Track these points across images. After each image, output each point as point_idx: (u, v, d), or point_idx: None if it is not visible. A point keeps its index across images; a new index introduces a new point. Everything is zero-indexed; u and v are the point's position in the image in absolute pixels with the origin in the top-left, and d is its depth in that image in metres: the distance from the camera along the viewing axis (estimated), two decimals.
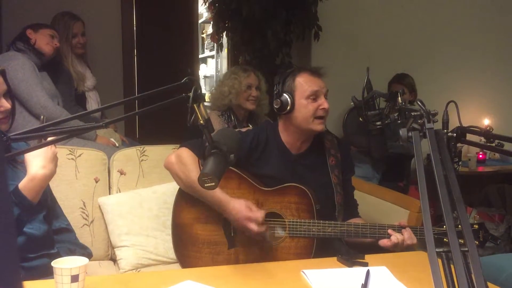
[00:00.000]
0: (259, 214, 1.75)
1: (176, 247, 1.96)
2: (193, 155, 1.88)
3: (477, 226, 1.70)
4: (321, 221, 1.84)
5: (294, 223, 1.85)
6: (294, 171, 1.97)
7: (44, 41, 2.83)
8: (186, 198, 1.93)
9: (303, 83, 1.93)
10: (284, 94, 1.93)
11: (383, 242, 1.79)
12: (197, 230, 1.90)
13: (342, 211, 1.99)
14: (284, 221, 1.86)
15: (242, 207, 1.76)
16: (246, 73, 3.03)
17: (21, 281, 0.45)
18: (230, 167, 1.85)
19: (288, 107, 1.92)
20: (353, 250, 1.91)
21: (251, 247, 1.86)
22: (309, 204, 1.87)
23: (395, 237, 1.77)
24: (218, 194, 1.80)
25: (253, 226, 1.75)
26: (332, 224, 1.83)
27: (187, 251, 1.92)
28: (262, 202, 1.88)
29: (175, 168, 1.91)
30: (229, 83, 3.01)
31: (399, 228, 1.80)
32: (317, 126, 1.94)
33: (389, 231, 1.79)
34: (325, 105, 1.92)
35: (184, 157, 1.89)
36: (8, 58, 2.71)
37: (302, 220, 1.84)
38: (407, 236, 1.77)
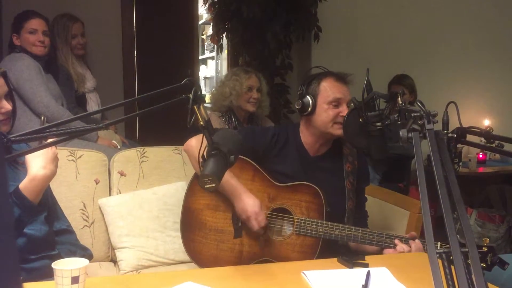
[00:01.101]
0: (265, 220, 1.81)
1: (183, 230, 1.97)
2: None
3: (486, 249, 1.68)
4: (329, 223, 1.85)
5: (303, 221, 1.86)
6: (309, 173, 1.98)
7: (29, 43, 2.77)
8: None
9: (328, 88, 1.95)
10: (307, 96, 1.95)
11: (388, 251, 1.81)
12: (206, 216, 1.92)
13: (351, 217, 2.00)
14: (293, 218, 1.87)
15: (256, 204, 1.81)
16: (248, 74, 3.03)
17: (21, 283, 0.45)
18: (247, 159, 1.91)
19: (309, 109, 1.94)
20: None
21: (256, 240, 1.88)
22: (320, 204, 1.88)
23: (401, 247, 1.78)
24: (234, 181, 1.85)
25: (256, 224, 1.79)
26: (340, 227, 1.84)
27: (193, 235, 1.93)
28: (274, 197, 1.90)
29: (195, 152, 1.91)
30: (230, 84, 3.01)
31: (406, 240, 1.81)
32: (337, 131, 1.94)
33: (396, 241, 1.79)
34: (346, 112, 1.92)
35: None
36: (15, 59, 2.73)
37: (311, 219, 1.85)
38: (414, 248, 1.78)
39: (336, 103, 1.93)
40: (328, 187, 1.93)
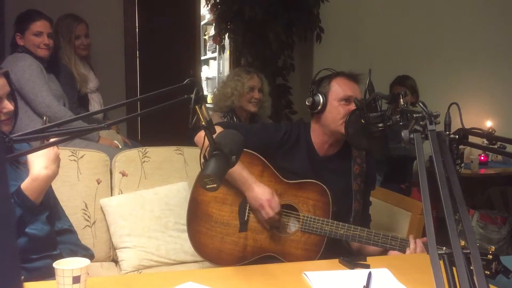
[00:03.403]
0: (279, 205, 1.83)
1: (189, 221, 1.97)
2: None
3: (491, 257, 1.68)
4: (335, 222, 1.86)
5: (309, 219, 1.87)
6: (318, 172, 1.98)
7: (34, 44, 2.76)
8: None
9: (338, 86, 1.96)
10: (318, 94, 1.96)
11: (394, 253, 1.81)
12: (212, 209, 1.93)
13: (357, 218, 2.00)
14: (299, 215, 1.88)
15: (268, 191, 1.84)
16: (249, 75, 3.04)
17: (22, 282, 0.45)
18: (256, 154, 1.93)
19: (320, 107, 1.95)
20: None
21: (261, 234, 1.89)
22: (327, 203, 1.88)
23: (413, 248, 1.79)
24: (245, 173, 1.87)
25: (270, 211, 1.81)
26: (346, 226, 1.85)
27: (199, 226, 1.94)
28: (281, 193, 1.91)
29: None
30: (232, 85, 3.01)
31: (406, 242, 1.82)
32: None
33: (409, 248, 1.80)
34: None
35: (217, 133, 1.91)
36: (16, 59, 2.73)
37: (317, 217, 1.86)
38: (419, 249, 1.79)
39: (347, 100, 1.94)
40: (336, 187, 1.94)
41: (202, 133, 1.94)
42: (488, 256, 1.66)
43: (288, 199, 1.90)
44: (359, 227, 1.87)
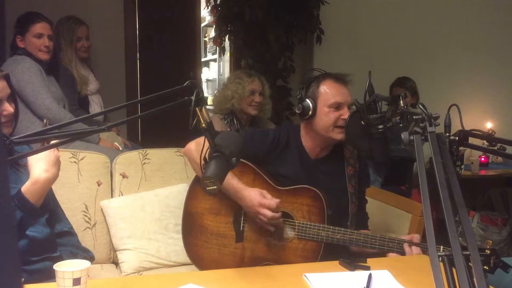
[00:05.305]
0: (273, 201, 1.77)
1: (185, 234, 1.97)
2: None
3: (489, 252, 1.68)
4: (331, 227, 1.84)
5: (304, 225, 1.85)
6: (311, 175, 1.97)
7: (34, 47, 2.77)
8: (200, 187, 1.93)
9: (328, 91, 1.92)
10: (307, 100, 1.92)
11: (392, 255, 1.80)
12: (207, 220, 1.92)
13: (355, 221, 1.98)
14: (294, 222, 1.87)
15: (256, 194, 1.79)
16: (251, 78, 3.04)
17: (22, 284, 0.45)
18: (247, 162, 1.90)
19: (310, 113, 1.91)
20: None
21: (258, 244, 1.88)
22: (321, 208, 1.87)
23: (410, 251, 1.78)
24: (234, 182, 1.83)
25: (267, 212, 1.76)
26: (342, 231, 1.83)
27: (195, 239, 1.93)
28: None
29: (194, 155, 1.90)
30: (233, 87, 3.01)
31: (410, 245, 1.80)
32: (337, 135, 1.93)
33: (405, 246, 1.78)
34: (347, 116, 1.90)
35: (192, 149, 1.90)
36: (16, 61, 2.74)
37: (312, 223, 1.85)
38: (416, 253, 1.78)
39: (337, 106, 1.92)
40: (330, 189, 1.92)
41: (190, 146, 1.93)
42: (486, 251, 1.67)
43: (283, 207, 1.87)
44: (355, 231, 1.85)
